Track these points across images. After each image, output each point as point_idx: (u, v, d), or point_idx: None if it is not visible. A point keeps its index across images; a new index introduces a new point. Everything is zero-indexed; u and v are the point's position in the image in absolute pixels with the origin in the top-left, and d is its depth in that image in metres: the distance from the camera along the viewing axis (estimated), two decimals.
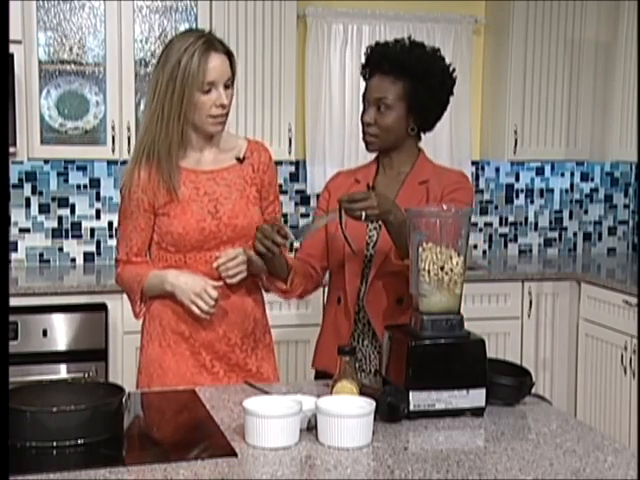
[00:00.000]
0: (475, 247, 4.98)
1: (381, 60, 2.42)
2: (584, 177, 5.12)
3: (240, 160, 2.51)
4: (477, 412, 2.05)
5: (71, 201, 4.40)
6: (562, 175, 5.08)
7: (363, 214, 2.19)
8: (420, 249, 2.07)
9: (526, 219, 5.07)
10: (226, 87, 2.40)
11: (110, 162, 4.36)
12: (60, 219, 4.40)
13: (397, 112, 2.42)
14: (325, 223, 2.41)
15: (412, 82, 2.39)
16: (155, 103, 2.39)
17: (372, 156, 2.59)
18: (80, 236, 4.43)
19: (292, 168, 4.66)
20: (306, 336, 3.89)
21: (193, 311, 2.39)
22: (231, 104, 2.45)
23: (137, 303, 2.51)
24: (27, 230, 4.36)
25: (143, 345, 2.54)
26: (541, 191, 5.07)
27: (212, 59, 2.35)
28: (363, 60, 2.50)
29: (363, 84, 2.51)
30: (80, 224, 4.43)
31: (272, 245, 2.25)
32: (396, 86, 2.40)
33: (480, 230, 5.00)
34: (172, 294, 2.42)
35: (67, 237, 4.41)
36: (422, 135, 2.52)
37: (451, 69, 2.46)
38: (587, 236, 5.16)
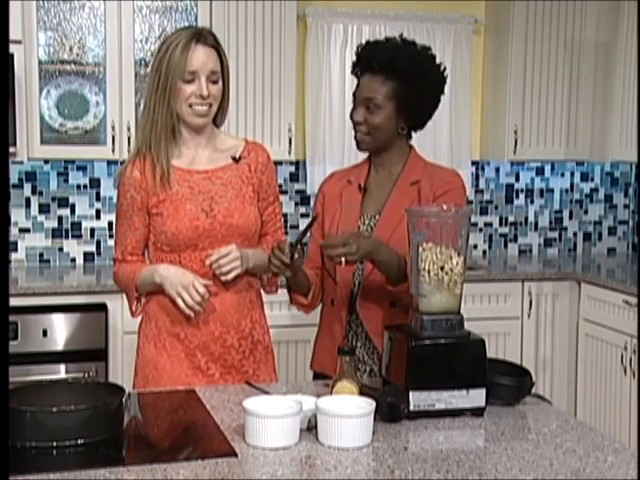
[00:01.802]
0: (475, 247, 4.98)
1: (371, 60, 2.40)
2: (584, 177, 5.11)
3: (236, 160, 2.50)
4: (477, 412, 2.05)
5: (71, 201, 4.40)
6: (562, 175, 5.08)
7: (342, 260, 2.18)
8: (420, 249, 2.07)
9: (526, 219, 5.07)
10: (213, 82, 2.40)
11: (110, 162, 4.36)
12: (60, 219, 4.40)
13: (386, 112, 2.40)
14: (311, 224, 2.37)
15: (401, 82, 2.38)
16: (146, 96, 2.43)
17: None
18: (80, 236, 4.43)
19: (292, 168, 4.66)
20: (305, 336, 3.88)
21: (178, 305, 2.38)
22: (223, 101, 2.45)
23: (133, 301, 2.50)
24: (27, 230, 4.36)
25: (139, 346, 2.54)
26: (541, 191, 5.06)
27: (196, 49, 2.37)
28: (354, 58, 2.49)
29: None
30: (80, 224, 4.42)
31: (281, 264, 2.23)
32: (386, 86, 2.39)
33: (480, 230, 5.00)
34: (161, 286, 2.40)
35: (67, 237, 4.41)
36: (413, 134, 2.51)
37: (442, 68, 2.44)
38: (587, 236, 5.16)
